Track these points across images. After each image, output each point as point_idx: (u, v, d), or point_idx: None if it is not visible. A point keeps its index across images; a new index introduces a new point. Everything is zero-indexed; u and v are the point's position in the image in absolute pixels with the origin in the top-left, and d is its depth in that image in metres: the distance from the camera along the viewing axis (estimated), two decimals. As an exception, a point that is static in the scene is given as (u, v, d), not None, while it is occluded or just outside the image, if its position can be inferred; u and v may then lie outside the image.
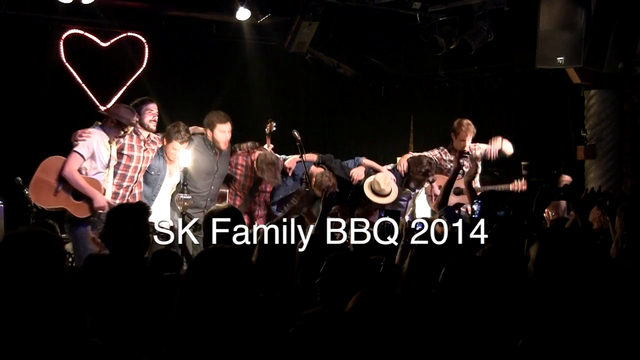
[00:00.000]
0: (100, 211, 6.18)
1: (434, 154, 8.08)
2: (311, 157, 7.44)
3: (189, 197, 6.56)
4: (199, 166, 7.08)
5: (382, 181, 7.30)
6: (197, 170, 7.05)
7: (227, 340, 2.23)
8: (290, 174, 7.48)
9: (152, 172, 6.94)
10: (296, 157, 7.46)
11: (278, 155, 7.44)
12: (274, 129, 7.32)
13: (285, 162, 7.46)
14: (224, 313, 2.23)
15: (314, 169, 7.44)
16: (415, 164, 7.56)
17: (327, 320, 2.93)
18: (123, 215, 3.84)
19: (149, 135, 6.91)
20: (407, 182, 7.68)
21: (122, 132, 6.57)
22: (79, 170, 6.33)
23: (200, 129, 7.30)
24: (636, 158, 8.16)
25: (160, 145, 6.99)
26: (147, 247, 3.89)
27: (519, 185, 7.65)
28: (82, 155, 6.31)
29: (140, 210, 3.89)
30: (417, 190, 7.79)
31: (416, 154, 7.90)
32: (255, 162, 7.19)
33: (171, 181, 7.05)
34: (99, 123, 6.60)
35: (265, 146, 7.30)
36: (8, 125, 7.99)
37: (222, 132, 7.17)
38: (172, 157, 6.97)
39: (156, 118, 6.91)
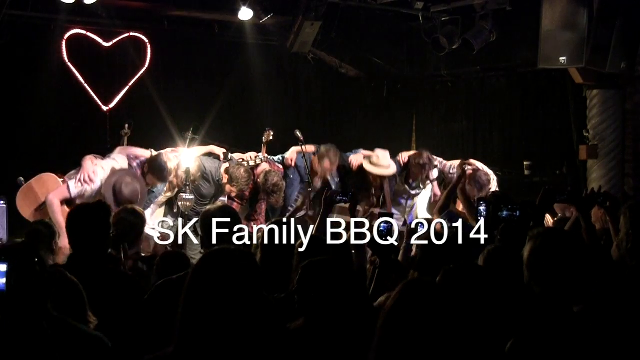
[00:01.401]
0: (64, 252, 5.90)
1: (440, 161, 7.82)
2: (310, 148, 7.47)
3: (192, 197, 6.53)
4: (198, 190, 7.01)
5: (380, 154, 7.38)
6: (196, 191, 6.97)
7: (234, 340, 2.23)
8: (293, 165, 7.45)
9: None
10: (294, 149, 7.46)
11: (279, 161, 7.44)
12: (271, 138, 7.31)
13: (286, 155, 7.48)
14: (231, 314, 2.23)
15: (314, 157, 7.44)
16: (414, 157, 7.53)
17: (310, 337, 2.87)
18: (84, 215, 3.75)
19: None
20: (407, 177, 7.66)
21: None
22: (69, 201, 6.13)
23: (217, 151, 7.16)
24: (638, 158, 8.15)
25: None
26: (109, 247, 3.82)
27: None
28: (70, 194, 6.11)
29: (101, 210, 3.81)
30: (416, 191, 7.75)
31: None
32: (261, 183, 7.05)
33: (165, 195, 6.97)
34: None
35: (261, 154, 7.24)
36: (10, 125, 8.00)
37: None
38: (173, 185, 6.84)
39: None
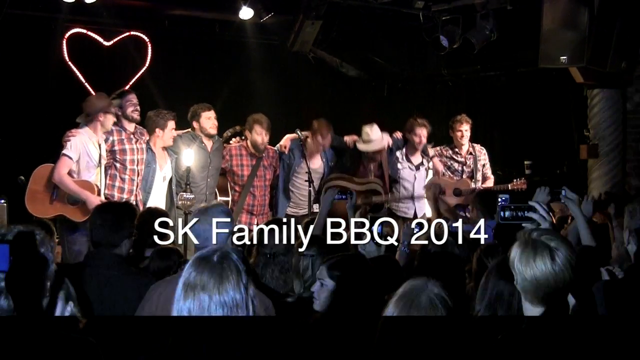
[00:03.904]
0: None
1: (435, 149, 8.22)
2: (306, 134, 7.57)
3: (192, 196, 6.56)
4: (193, 162, 7.09)
5: (369, 130, 7.51)
6: (192, 165, 7.05)
7: (226, 340, 2.23)
8: (287, 151, 7.56)
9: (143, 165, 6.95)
10: (288, 136, 7.62)
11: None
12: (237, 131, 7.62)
13: (280, 143, 7.61)
14: (221, 313, 2.23)
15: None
16: (407, 127, 7.87)
17: (327, 330, 2.90)
18: (109, 213, 3.78)
19: (135, 128, 6.83)
20: (406, 153, 7.91)
21: (108, 121, 6.49)
22: (70, 174, 6.24)
23: (184, 131, 7.32)
24: (639, 157, 8.15)
25: (147, 138, 6.98)
26: (129, 248, 3.83)
27: (519, 184, 7.68)
28: (70, 157, 6.22)
29: (127, 210, 3.81)
30: (420, 165, 7.84)
31: None
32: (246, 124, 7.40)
33: (161, 175, 7.02)
34: (83, 124, 6.49)
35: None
36: (11, 124, 8.00)
37: (208, 119, 7.25)
38: (168, 141, 6.96)
39: (138, 108, 6.83)
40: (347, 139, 7.77)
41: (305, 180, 7.23)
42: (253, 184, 7.38)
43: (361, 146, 7.54)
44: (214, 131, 7.29)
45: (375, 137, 7.52)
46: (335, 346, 2.88)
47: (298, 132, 7.53)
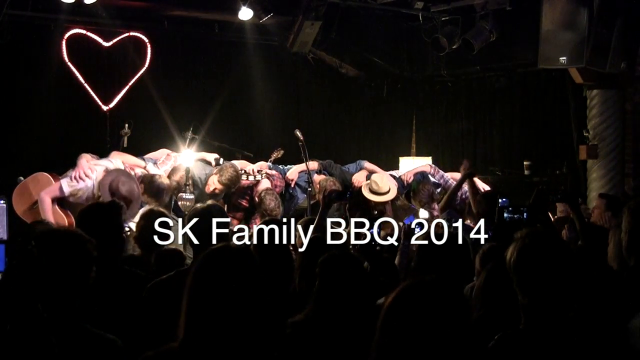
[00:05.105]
0: None
1: (450, 176, 7.78)
2: (312, 166, 7.39)
3: (192, 196, 6.54)
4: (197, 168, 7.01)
5: (379, 180, 7.24)
6: (194, 169, 6.97)
7: (239, 335, 2.24)
8: (293, 185, 7.48)
9: None
10: (297, 168, 7.48)
11: (279, 173, 7.44)
12: (280, 156, 7.39)
13: (287, 174, 7.47)
14: (237, 309, 2.24)
15: (317, 177, 7.42)
16: (421, 188, 7.39)
17: (315, 327, 2.90)
18: (96, 214, 3.75)
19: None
20: (407, 194, 7.59)
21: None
22: (62, 200, 6.18)
23: (208, 157, 7.17)
24: (638, 158, 8.16)
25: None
26: (123, 247, 3.82)
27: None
28: (63, 192, 6.14)
29: (114, 209, 3.80)
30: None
31: (426, 170, 7.84)
32: (257, 203, 7.03)
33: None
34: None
35: (264, 170, 7.20)
36: (10, 124, 8.00)
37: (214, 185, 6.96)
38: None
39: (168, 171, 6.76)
40: (355, 180, 7.51)
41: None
42: (251, 218, 7.34)
43: (367, 194, 7.18)
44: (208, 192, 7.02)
45: (384, 189, 7.18)
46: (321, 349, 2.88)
47: (297, 132, 7.50)
